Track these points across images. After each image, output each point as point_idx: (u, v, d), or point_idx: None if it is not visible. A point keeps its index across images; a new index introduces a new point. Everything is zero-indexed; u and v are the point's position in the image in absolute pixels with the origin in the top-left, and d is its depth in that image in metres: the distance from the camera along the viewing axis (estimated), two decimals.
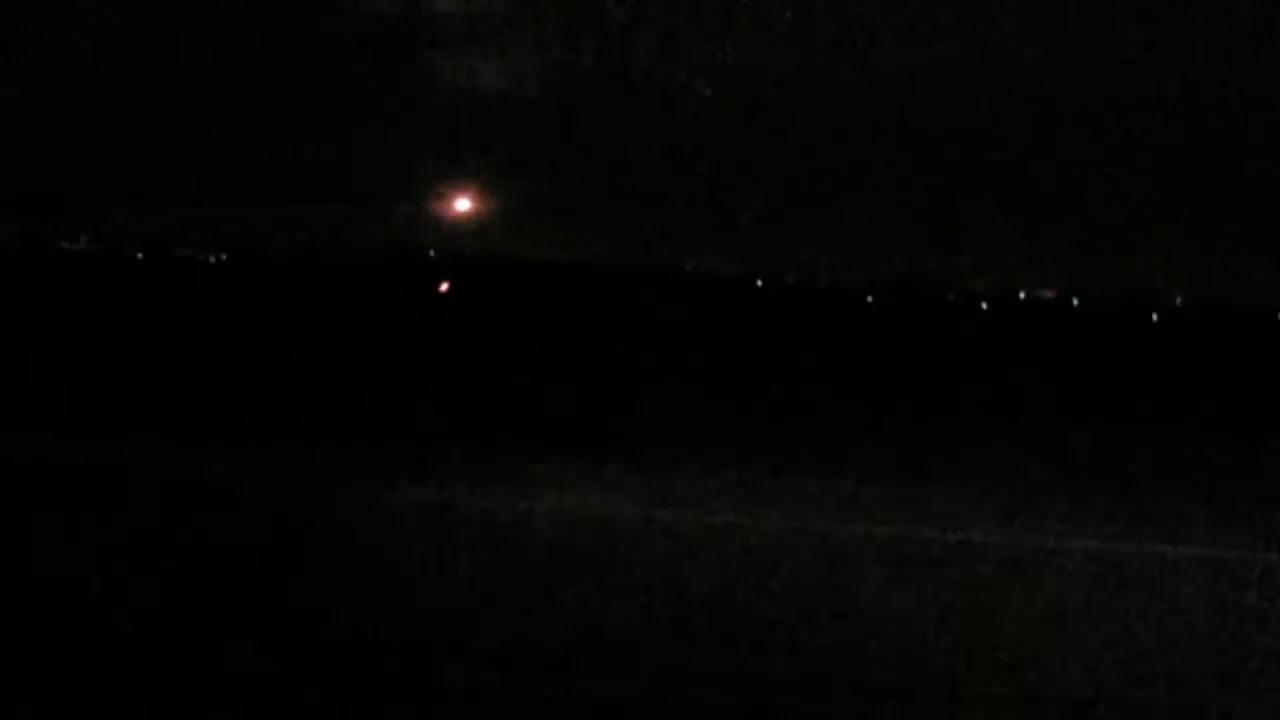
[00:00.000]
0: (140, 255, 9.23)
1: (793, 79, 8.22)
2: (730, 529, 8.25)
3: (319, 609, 6.72)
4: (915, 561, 7.80)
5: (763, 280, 8.91)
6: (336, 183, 8.87)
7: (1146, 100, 9.28)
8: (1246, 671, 6.42)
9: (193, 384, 9.57)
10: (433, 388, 9.53)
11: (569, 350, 9.35)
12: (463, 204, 9.08)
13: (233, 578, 7.08)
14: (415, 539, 7.73)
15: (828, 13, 8.20)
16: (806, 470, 9.10)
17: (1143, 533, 8.42)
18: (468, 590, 6.97)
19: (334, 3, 8.65)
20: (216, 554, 7.43)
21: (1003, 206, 9.71)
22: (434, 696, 5.77)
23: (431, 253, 8.98)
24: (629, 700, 5.82)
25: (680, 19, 7.97)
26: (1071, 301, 10.61)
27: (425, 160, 8.86)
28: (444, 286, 8.95)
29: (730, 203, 8.79)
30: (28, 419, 9.56)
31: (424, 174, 8.88)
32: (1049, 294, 10.61)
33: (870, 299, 9.17)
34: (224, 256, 9.19)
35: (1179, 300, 10.75)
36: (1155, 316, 10.85)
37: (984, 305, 10.32)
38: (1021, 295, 10.61)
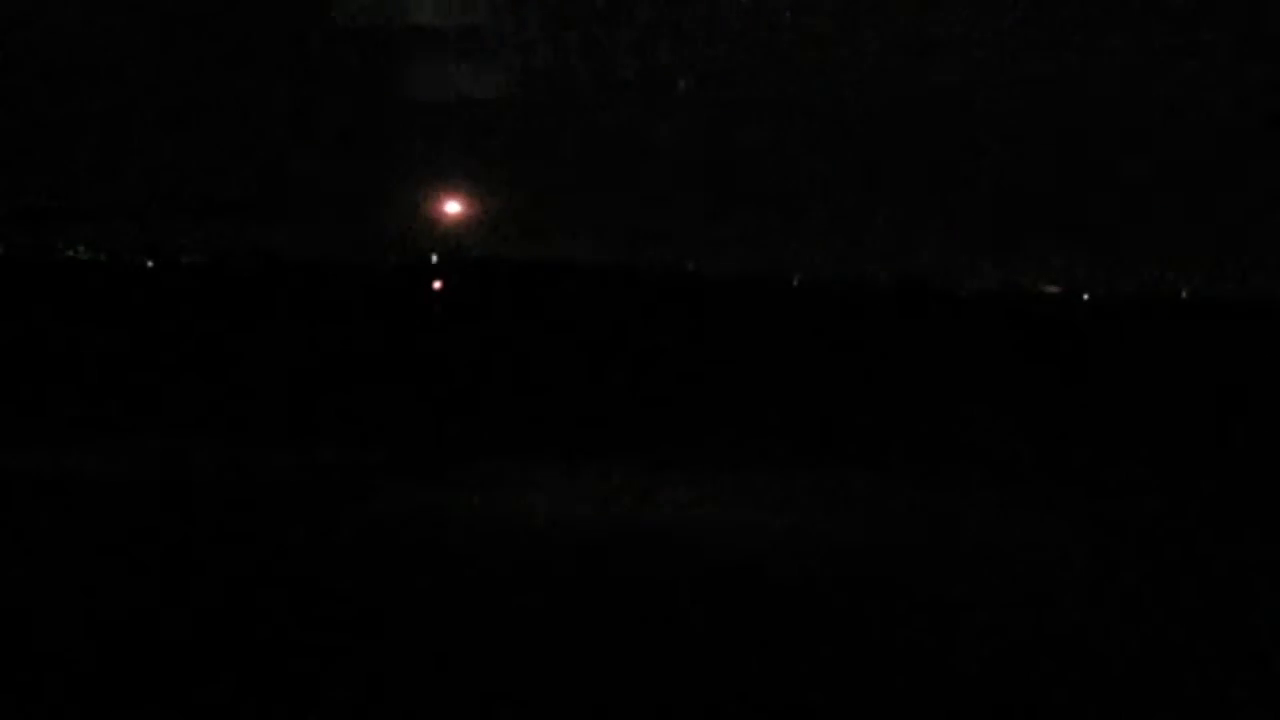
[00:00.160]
0: (117, 261, 9.28)
1: (788, 79, 8.26)
2: (730, 530, 8.23)
3: (308, 608, 6.71)
4: (915, 562, 7.79)
5: (758, 280, 8.94)
6: (321, 189, 8.93)
7: (1147, 100, 9.32)
8: (1251, 671, 6.42)
9: (180, 387, 9.58)
10: (422, 389, 9.55)
11: (563, 351, 9.39)
12: (452, 207, 9.13)
13: (221, 578, 7.07)
14: (406, 539, 7.72)
15: (826, 12, 8.25)
16: (805, 471, 9.09)
17: (1144, 532, 8.42)
18: (460, 591, 6.95)
19: (319, 8, 8.70)
20: (207, 555, 7.43)
21: (1003, 205, 9.74)
22: (423, 695, 5.78)
23: (417, 256, 9.03)
24: (625, 702, 5.82)
25: (669, 20, 8.04)
26: (1079, 298, 10.63)
27: (410, 164, 8.92)
28: (436, 286, 8.99)
29: (722, 203, 8.85)
30: (26, 425, 9.56)
31: (409, 178, 8.95)
32: (1053, 289, 10.62)
33: (868, 297, 9.21)
34: (209, 262, 9.23)
35: (1183, 294, 10.75)
36: (1159, 313, 10.85)
37: (986, 303, 10.33)
38: (1022, 292, 10.63)
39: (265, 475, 8.85)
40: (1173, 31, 8.76)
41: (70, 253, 9.54)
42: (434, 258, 9.84)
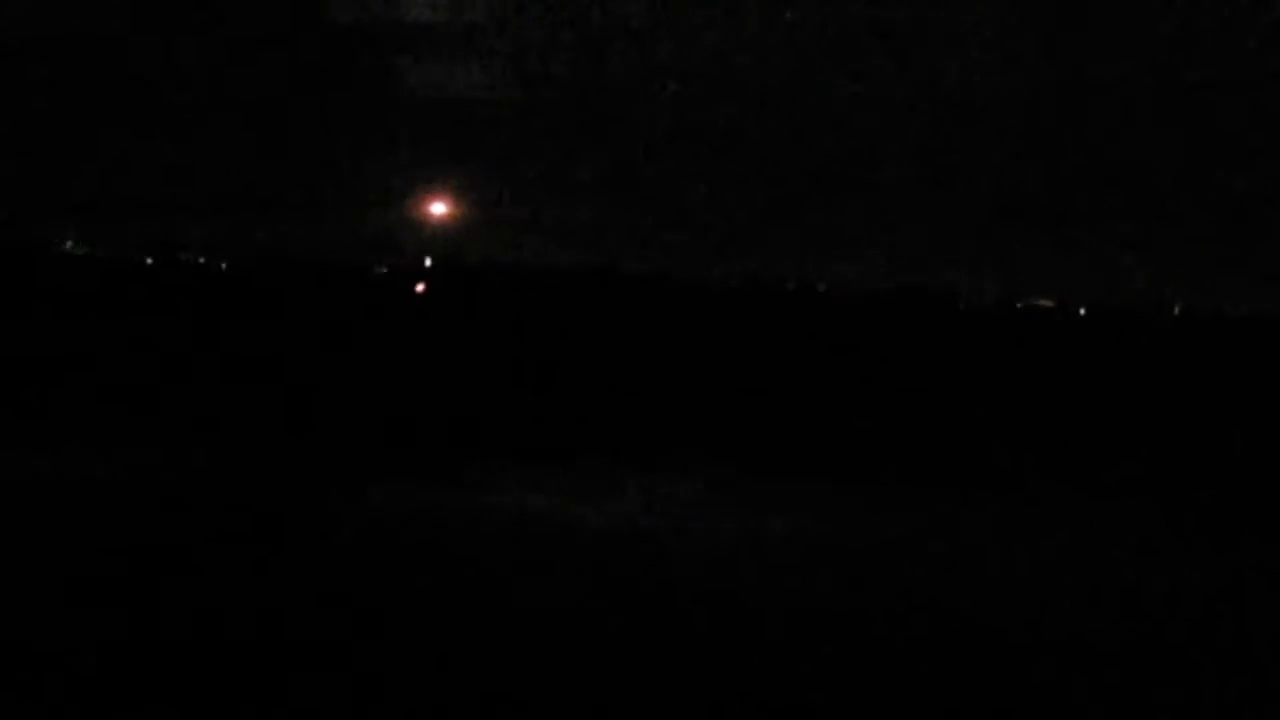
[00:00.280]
0: (110, 260, 9.26)
1: (782, 81, 8.25)
2: (728, 531, 8.21)
3: (303, 606, 6.68)
4: (914, 563, 7.76)
5: (751, 283, 8.92)
6: (313, 189, 8.91)
7: (1147, 103, 9.32)
8: (1250, 670, 6.40)
9: (176, 385, 9.56)
10: (416, 390, 9.53)
11: (559, 353, 9.37)
12: (444, 208, 9.11)
13: (219, 574, 7.04)
14: (401, 538, 7.69)
15: (824, 12, 8.24)
16: (804, 472, 9.07)
17: (1141, 537, 8.39)
18: (455, 591, 6.93)
19: (312, 8, 8.67)
20: (205, 554, 7.40)
21: (1000, 211, 9.74)
22: (416, 696, 5.74)
23: (409, 258, 9.02)
24: (621, 704, 5.78)
25: (661, 21, 8.02)
26: (1076, 310, 10.61)
27: (401, 165, 8.90)
28: (419, 287, 8.95)
29: (716, 205, 8.84)
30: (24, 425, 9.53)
31: (400, 179, 8.93)
32: (1047, 303, 10.61)
33: (865, 302, 9.19)
34: (199, 261, 9.19)
35: (1177, 309, 10.74)
36: (1154, 324, 10.84)
37: (982, 311, 10.32)
38: (1019, 303, 10.62)
39: (261, 473, 8.84)
40: (1175, 33, 8.73)
41: (69, 247, 9.50)
42: (427, 260, 9.79)
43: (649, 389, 9.26)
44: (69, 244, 9.40)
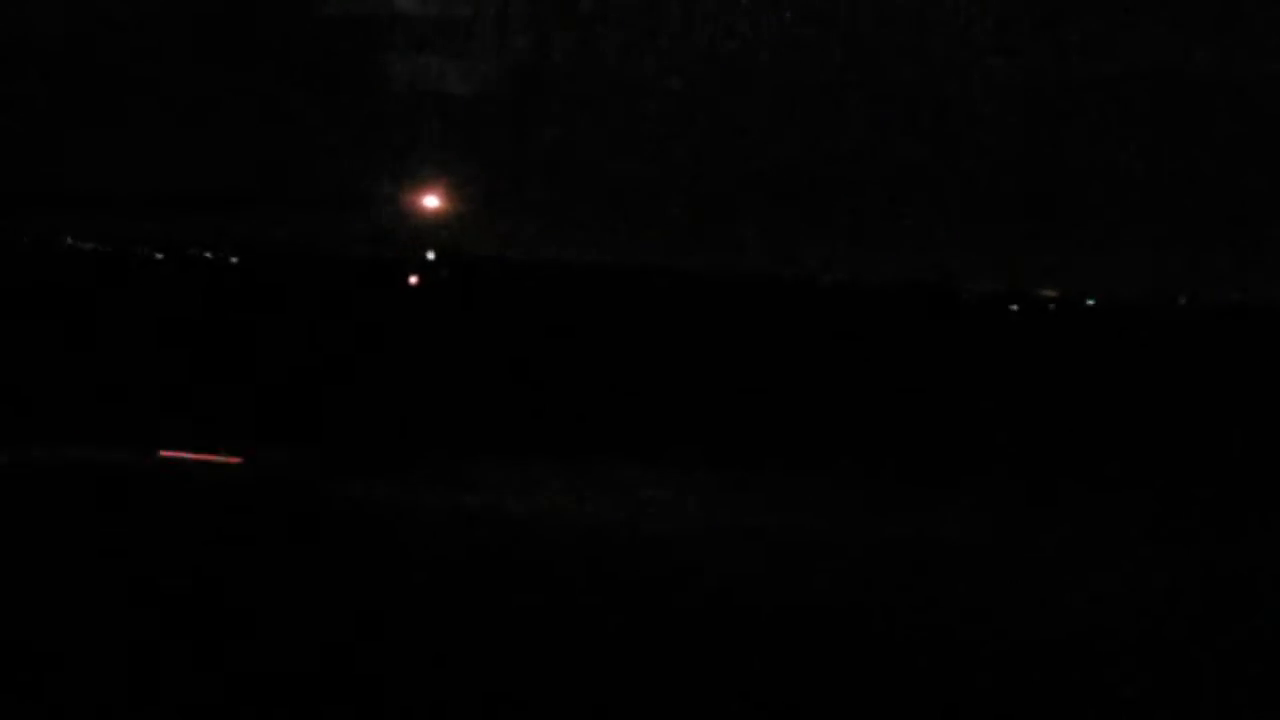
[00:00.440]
0: (95, 255, 9.23)
1: (780, 77, 8.16)
2: (726, 531, 8.19)
3: (295, 607, 6.68)
4: (912, 564, 7.75)
5: (755, 281, 8.87)
6: (304, 185, 8.88)
7: (1150, 98, 9.26)
8: (1253, 669, 6.37)
9: (168, 385, 9.56)
10: (411, 388, 9.52)
11: (554, 350, 9.36)
12: (435, 203, 9.08)
13: (215, 573, 7.06)
14: (397, 538, 7.68)
15: (826, 7, 8.18)
16: (802, 472, 9.04)
17: (1146, 533, 8.36)
18: (451, 590, 6.92)
19: (302, 4, 8.63)
20: (198, 551, 7.42)
21: (1002, 205, 9.69)
22: (413, 696, 5.73)
23: (400, 253, 8.99)
24: (618, 707, 5.77)
25: (654, 15, 7.97)
26: (1081, 302, 10.56)
27: (391, 161, 8.85)
28: (412, 280, 8.95)
29: (714, 202, 8.77)
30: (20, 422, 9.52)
31: (390, 175, 8.88)
32: (1051, 293, 10.57)
33: (869, 298, 9.13)
34: (186, 257, 9.16)
35: (1182, 300, 10.70)
36: (1159, 317, 10.80)
37: (987, 305, 10.27)
38: (1023, 295, 10.58)
39: (259, 471, 8.84)
40: (1178, 30, 8.70)
41: (56, 242, 9.48)
42: (430, 254, 9.79)
43: (648, 385, 9.23)
44: (57, 239, 9.38)
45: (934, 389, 9.28)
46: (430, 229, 9.61)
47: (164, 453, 9.16)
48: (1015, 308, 9.74)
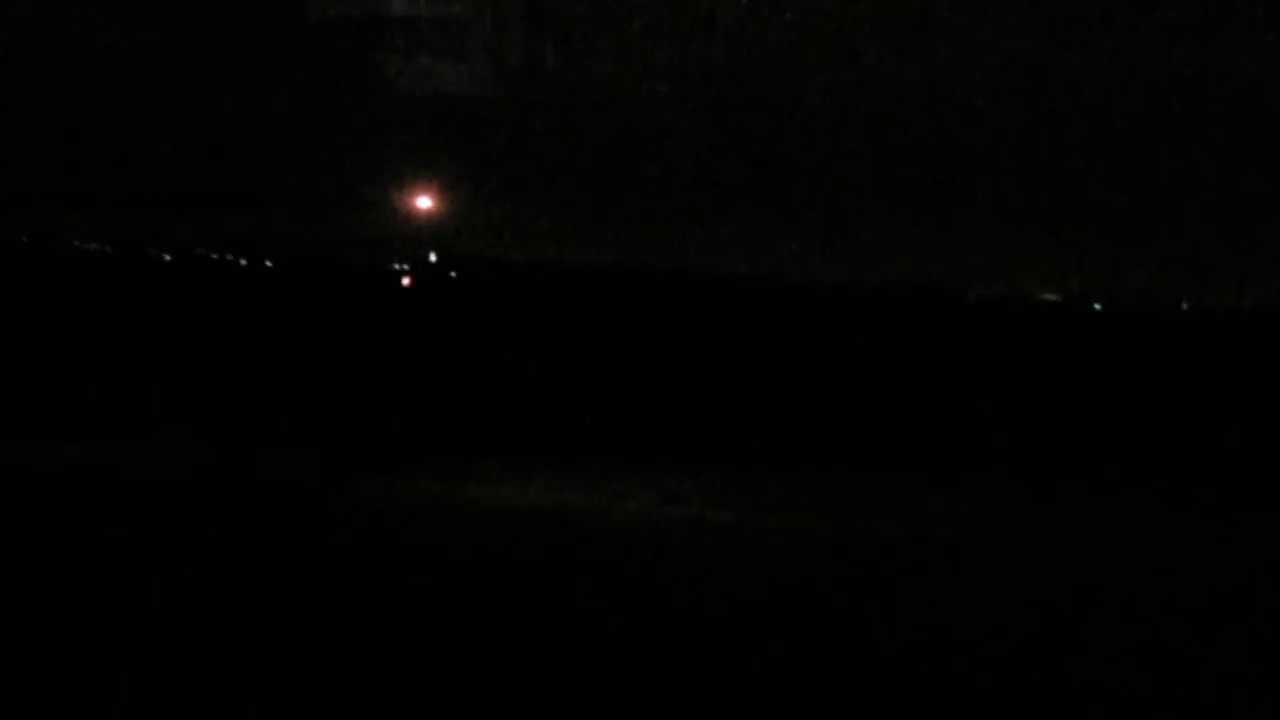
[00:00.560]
0: (89, 255, 9.22)
1: (774, 79, 8.12)
2: (723, 531, 8.18)
3: (294, 602, 6.67)
4: (911, 564, 7.73)
5: (751, 281, 8.84)
6: (300, 186, 8.89)
7: (1152, 101, 9.25)
8: (1252, 669, 6.36)
9: (165, 382, 9.55)
10: (408, 387, 9.52)
11: (553, 349, 9.35)
12: (431, 204, 9.08)
13: (215, 574, 7.05)
14: (395, 536, 7.69)
15: (825, 7, 8.15)
16: (800, 472, 9.03)
17: (1142, 535, 8.35)
18: (449, 589, 6.91)
19: (295, 5, 8.64)
20: (201, 552, 7.41)
21: (1003, 208, 9.67)
22: (413, 695, 5.71)
23: (396, 253, 8.99)
24: (614, 704, 5.75)
25: (648, 19, 7.93)
26: (1085, 305, 10.54)
27: (387, 162, 8.86)
28: (406, 281, 8.95)
29: (716, 202, 8.75)
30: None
31: (385, 176, 8.89)
32: (1052, 297, 10.55)
33: (867, 297, 9.11)
34: (186, 258, 9.17)
35: (1184, 305, 10.68)
36: (1160, 319, 10.78)
37: (986, 307, 10.25)
38: (1022, 297, 10.56)
39: (257, 469, 8.85)
40: (1177, 31, 8.69)
41: (55, 242, 9.47)
42: (432, 256, 9.80)
43: (645, 385, 9.21)
44: (56, 239, 9.36)
45: (929, 390, 9.27)
46: (426, 229, 9.61)
47: (161, 452, 9.17)
48: (1016, 310, 9.72)
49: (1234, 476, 8.82)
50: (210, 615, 6.41)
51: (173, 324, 9.11)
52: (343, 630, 6.25)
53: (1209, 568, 7.68)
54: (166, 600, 6.56)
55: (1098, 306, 10.07)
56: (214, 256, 9.14)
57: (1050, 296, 9.99)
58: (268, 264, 8.93)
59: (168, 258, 9.39)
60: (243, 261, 8.99)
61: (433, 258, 9.48)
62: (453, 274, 9.09)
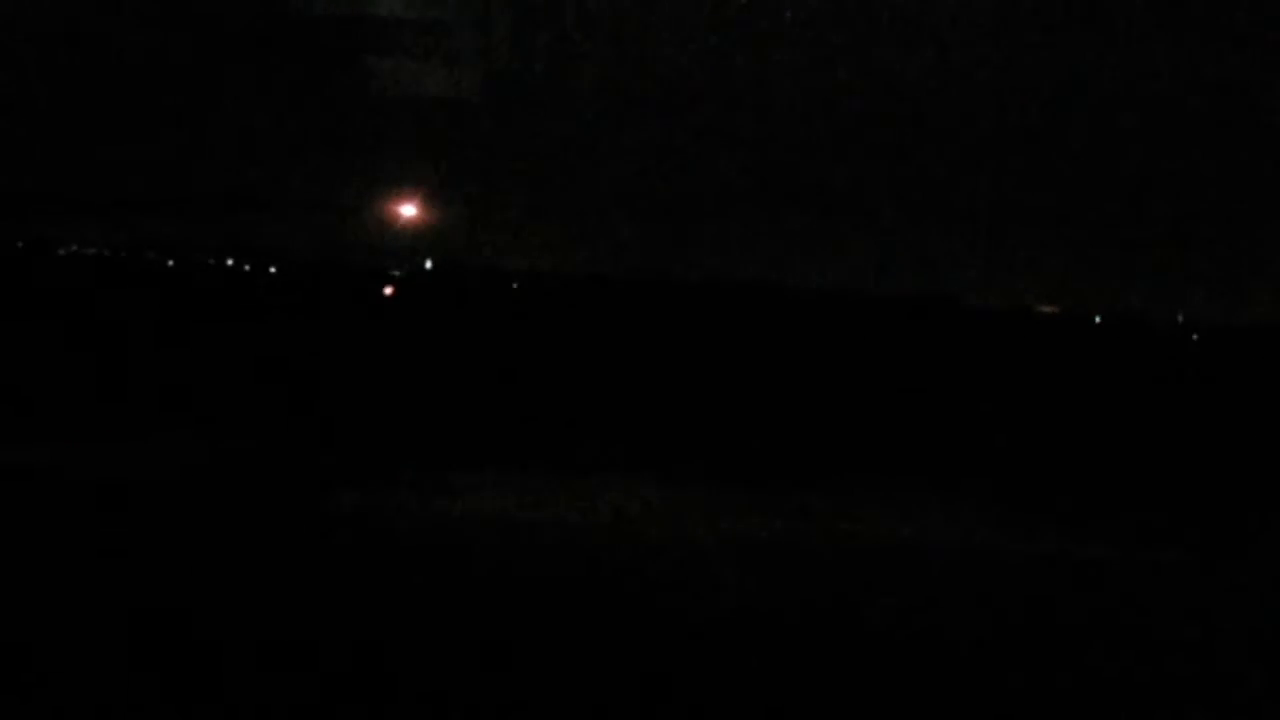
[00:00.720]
0: (80, 259, 9.20)
1: (766, 86, 8.08)
2: (721, 534, 8.16)
3: (299, 606, 6.66)
4: (910, 566, 7.71)
5: (744, 288, 8.82)
6: (284, 190, 8.86)
7: (1151, 108, 9.24)
8: (1246, 677, 6.34)
9: (156, 386, 9.55)
10: (384, 394, 9.51)
11: (538, 357, 9.34)
12: (413, 210, 9.06)
13: (212, 574, 7.02)
14: (380, 542, 7.67)
15: (819, 13, 8.13)
16: (799, 474, 9.02)
17: (1138, 543, 8.34)
18: (440, 594, 6.89)
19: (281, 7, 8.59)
20: (198, 552, 7.39)
21: (1001, 217, 9.66)
22: (380, 700, 5.69)
23: (376, 260, 8.96)
24: (613, 704, 5.72)
25: (653, 14, 7.91)
26: (1081, 317, 10.55)
27: (371, 167, 8.85)
28: (388, 291, 8.92)
29: (710, 208, 8.74)
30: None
31: (370, 181, 8.88)
32: (1049, 309, 10.54)
33: (860, 305, 9.11)
34: (169, 262, 9.14)
35: (1180, 318, 10.68)
36: (1156, 332, 10.78)
37: (984, 316, 10.26)
38: (1022, 308, 10.56)
39: (250, 474, 8.83)
40: (1177, 36, 8.69)
41: (50, 246, 9.46)
42: (428, 263, 9.77)
43: (634, 393, 9.20)
44: (54, 242, 9.35)
45: (924, 396, 9.26)
46: (413, 236, 9.60)
47: (154, 454, 9.15)
48: (1013, 321, 9.71)
49: (1233, 484, 8.83)
50: (199, 616, 6.39)
51: (162, 330, 9.11)
52: (340, 634, 6.23)
53: (1209, 576, 7.68)
54: (158, 600, 6.53)
55: (1091, 320, 10.04)
56: (199, 263, 9.13)
57: (1049, 308, 9.95)
58: (253, 270, 8.92)
59: (158, 262, 9.38)
60: (228, 268, 8.98)
61: (412, 262, 9.47)
62: (438, 281, 9.08)
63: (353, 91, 9.27)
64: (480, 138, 9.15)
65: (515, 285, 9.42)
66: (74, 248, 9.46)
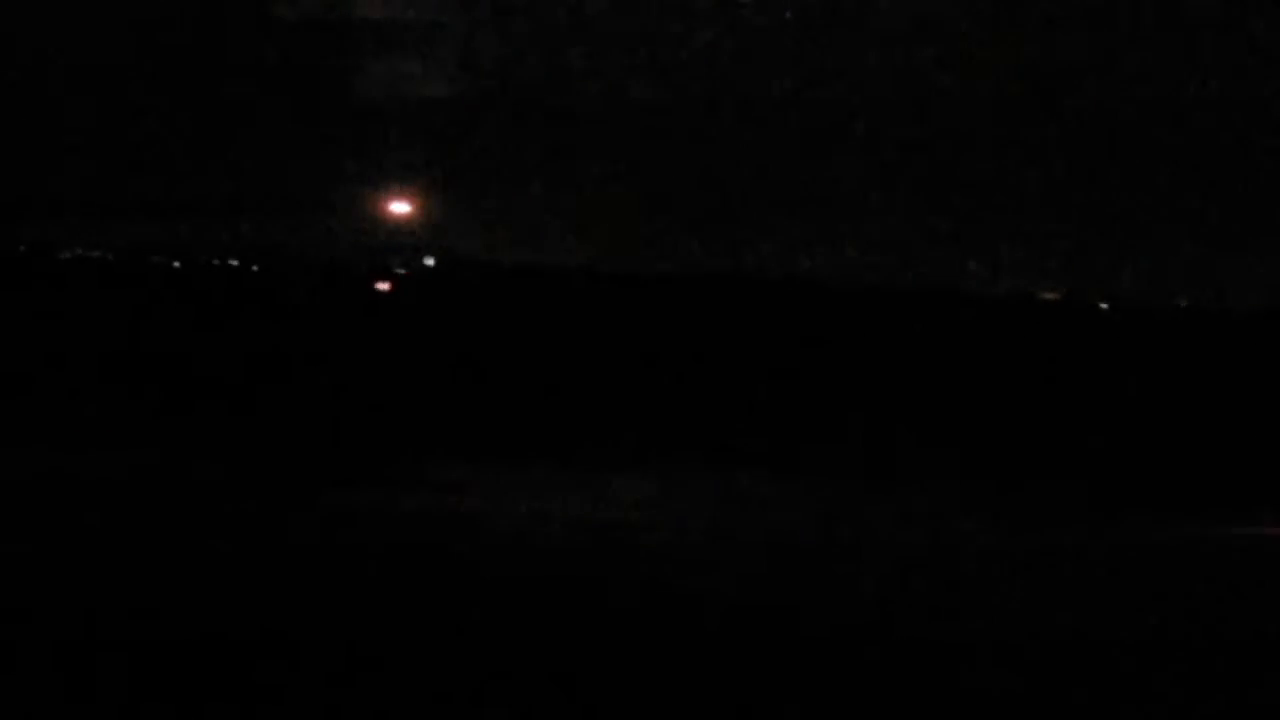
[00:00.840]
0: (80, 261, 9.18)
1: (752, 87, 8.03)
2: (720, 532, 8.16)
3: (298, 607, 6.66)
4: (908, 563, 7.71)
5: (740, 282, 8.79)
6: (274, 193, 8.84)
7: (1151, 100, 9.20)
8: (1249, 662, 6.34)
9: (132, 390, 9.55)
10: (384, 394, 9.51)
11: (531, 352, 9.34)
12: (403, 209, 9.05)
13: (211, 575, 7.03)
14: (374, 539, 7.68)
15: (818, 7, 8.10)
16: (797, 473, 9.02)
17: (1140, 532, 8.34)
18: (424, 596, 6.89)
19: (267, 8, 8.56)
20: (196, 553, 7.41)
21: (1002, 207, 9.64)
22: (373, 699, 5.69)
23: (378, 257, 8.94)
24: (606, 709, 5.72)
25: (628, 21, 7.88)
26: (1082, 304, 10.53)
27: (359, 168, 8.83)
28: (383, 286, 8.91)
29: (705, 205, 8.72)
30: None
31: (357, 181, 8.86)
32: (1051, 295, 10.51)
33: (858, 296, 9.09)
34: (164, 265, 9.14)
35: (1182, 303, 10.66)
36: (1158, 319, 10.77)
37: (985, 305, 10.24)
38: (1024, 295, 10.55)
39: (245, 475, 8.83)
40: (1175, 32, 8.67)
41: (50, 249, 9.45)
42: (429, 260, 9.76)
43: (629, 387, 9.20)
44: (53, 245, 9.35)
45: (931, 391, 9.25)
46: (404, 235, 9.59)
47: (154, 454, 9.15)
48: (1017, 309, 9.69)
49: (1236, 476, 8.82)
50: (205, 615, 6.40)
51: (160, 328, 9.11)
52: (336, 634, 6.23)
53: (1213, 568, 7.67)
54: (157, 600, 6.54)
55: (1093, 307, 10.00)
56: (191, 263, 9.13)
57: (1051, 295, 9.92)
58: (233, 265, 8.92)
59: (154, 263, 9.37)
60: (219, 268, 8.98)
61: (406, 260, 9.47)
62: (429, 279, 9.07)
63: (352, 92, 9.25)
64: (481, 136, 9.13)
65: (517, 282, 9.40)
66: (77, 250, 9.44)
